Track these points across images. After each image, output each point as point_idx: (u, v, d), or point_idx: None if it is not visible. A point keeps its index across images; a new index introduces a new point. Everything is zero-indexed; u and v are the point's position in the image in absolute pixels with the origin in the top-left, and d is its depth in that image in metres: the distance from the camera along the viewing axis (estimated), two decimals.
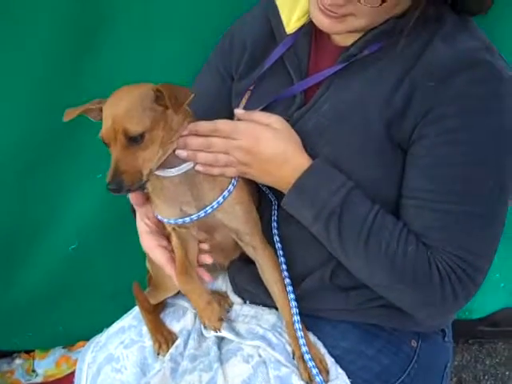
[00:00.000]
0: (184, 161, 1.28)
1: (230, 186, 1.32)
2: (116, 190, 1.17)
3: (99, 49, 1.80)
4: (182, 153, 1.26)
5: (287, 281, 1.38)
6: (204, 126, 1.29)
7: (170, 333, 1.54)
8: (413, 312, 1.32)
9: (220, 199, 1.31)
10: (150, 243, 1.43)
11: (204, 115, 1.38)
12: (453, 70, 1.19)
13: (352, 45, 1.30)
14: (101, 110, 1.24)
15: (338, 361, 1.36)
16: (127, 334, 1.55)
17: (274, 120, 1.31)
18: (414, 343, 1.43)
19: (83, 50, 1.78)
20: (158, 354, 1.49)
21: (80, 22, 1.74)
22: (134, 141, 1.18)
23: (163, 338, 1.51)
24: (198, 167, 1.28)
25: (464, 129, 1.19)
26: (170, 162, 1.27)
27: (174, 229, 1.38)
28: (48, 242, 2.07)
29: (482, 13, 1.28)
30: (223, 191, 1.31)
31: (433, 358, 1.47)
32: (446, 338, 1.52)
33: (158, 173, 1.28)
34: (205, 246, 1.40)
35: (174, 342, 1.50)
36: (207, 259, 1.39)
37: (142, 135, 1.18)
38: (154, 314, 1.58)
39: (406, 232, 1.24)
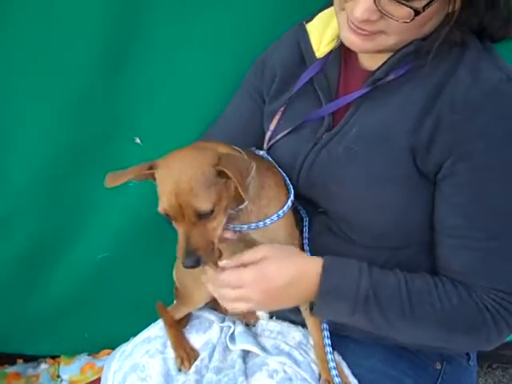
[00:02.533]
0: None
1: (280, 212, 1.32)
2: (193, 267, 1.16)
3: (132, 66, 1.82)
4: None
5: None
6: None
7: (193, 350, 1.55)
8: (474, 350, 1.39)
9: (267, 221, 1.30)
10: None
11: (237, 136, 1.45)
12: (477, 104, 1.18)
13: (378, 69, 1.31)
14: (153, 175, 1.21)
15: (360, 380, 1.37)
16: (153, 343, 1.57)
17: (264, 250, 1.30)
18: (438, 365, 1.43)
19: (117, 66, 1.82)
20: (180, 370, 1.50)
21: (114, 36, 1.78)
22: (204, 217, 1.16)
23: (186, 354, 1.52)
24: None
25: (493, 166, 1.19)
26: None
27: None
28: (77, 251, 2.10)
29: (507, 37, 1.28)
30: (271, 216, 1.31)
31: (457, 380, 1.46)
32: (471, 362, 1.52)
33: None
34: None
35: (195, 359, 1.51)
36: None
37: (211, 211, 1.16)
38: (178, 330, 1.60)
39: (442, 285, 1.25)
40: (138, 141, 1.94)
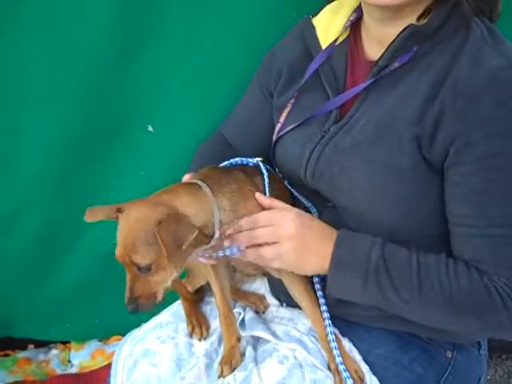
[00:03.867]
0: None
1: None
2: (134, 312, 1.23)
3: (144, 53, 1.84)
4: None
5: (320, 293, 1.40)
6: (245, 221, 1.33)
7: (205, 319, 1.58)
8: (486, 336, 1.38)
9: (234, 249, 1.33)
10: None
11: (249, 128, 1.48)
12: (477, 90, 1.17)
13: (381, 57, 1.30)
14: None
15: (371, 367, 1.37)
16: (164, 329, 1.57)
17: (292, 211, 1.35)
18: (449, 354, 1.43)
19: (128, 53, 1.83)
20: (191, 337, 1.52)
21: (125, 28, 1.79)
22: (143, 270, 1.21)
23: (197, 321, 1.55)
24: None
25: (496, 154, 1.18)
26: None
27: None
28: (90, 237, 2.12)
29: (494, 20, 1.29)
30: None
31: (467, 369, 1.46)
32: (482, 351, 1.51)
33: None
34: None
35: (207, 329, 1.54)
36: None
37: (149, 266, 1.20)
38: (193, 302, 1.62)
39: (453, 264, 1.25)
40: (150, 129, 1.95)
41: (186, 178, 1.43)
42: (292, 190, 1.50)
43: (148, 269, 1.20)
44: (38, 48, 1.80)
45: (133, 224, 1.21)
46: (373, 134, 1.29)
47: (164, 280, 1.23)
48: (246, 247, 1.32)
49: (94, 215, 1.30)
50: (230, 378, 1.39)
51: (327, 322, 1.37)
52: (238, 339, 1.46)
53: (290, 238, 1.30)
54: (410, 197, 1.27)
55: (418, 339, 1.42)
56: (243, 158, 1.47)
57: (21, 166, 1.97)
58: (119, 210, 1.26)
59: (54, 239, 2.14)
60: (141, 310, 1.23)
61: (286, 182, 1.52)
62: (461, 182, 1.22)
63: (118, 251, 1.23)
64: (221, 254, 1.34)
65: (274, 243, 1.30)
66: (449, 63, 1.23)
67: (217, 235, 1.31)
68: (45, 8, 1.75)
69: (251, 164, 1.46)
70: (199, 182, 1.33)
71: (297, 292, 1.43)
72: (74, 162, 1.97)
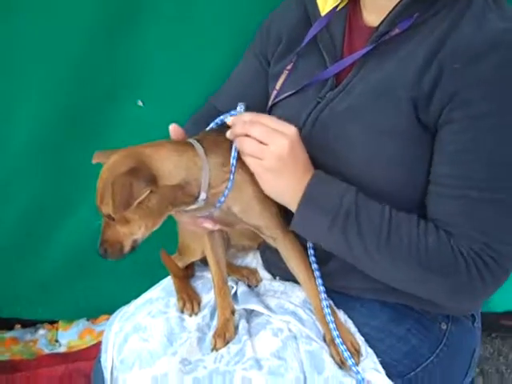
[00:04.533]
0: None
1: (231, 176, 1.30)
2: (103, 256, 1.28)
3: (134, 27, 1.81)
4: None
5: (314, 266, 1.38)
6: (249, 115, 1.30)
7: (196, 294, 1.56)
8: (444, 302, 1.32)
9: (226, 191, 1.30)
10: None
11: (242, 97, 1.39)
12: (479, 52, 1.16)
13: (381, 22, 1.29)
14: None
15: (366, 339, 1.37)
16: (155, 304, 1.55)
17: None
18: (443, 325, 1.42)
19: (118, 26, 1.80)
20: (182, 312, 1.51)
21: (116, 1, 1.76)
22: (110, 219, 1.22)
23: (188, 297, 1.53)
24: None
25: (490, 114, 1.16)
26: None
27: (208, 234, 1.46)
28: (76, 216, 2.10)
29: None
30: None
31: (462, 341, 1.46)
32: (476, 324, 1.51)
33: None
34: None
35: (199, 304, 1.53)
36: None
37: (110, 216, 1.21)
38: (183, 278, 1.61)
39: (424, 224, 1.23)
40: (140, 103, 1.92)
41: (172, 127, 1.38)
42: None
43: (112, 218, 1.21)
44: (27, 21, 1.77)
45: (105, 172, 1.22)
46: (370, 98, 1.28)
47: (130, 232, 1.24)
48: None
49: (98, 158, 1.30)
50: (223, 350, 1.37)
51: (322, 294, 1.36)
52: (233, 312, 1.44)
53: (273, 159, 1.25)
54: (405, 161, 1.26)
55: (413, 311, 1.41)
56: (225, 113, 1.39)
57: (8, 142, 1.94)
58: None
59: (41, 217, 2.11)
60: (109, 256, 1.27)
61: None
62: (449, 140, 1.20)
63: (95, 200, 1.24)
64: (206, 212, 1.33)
65: (258, 158, 1.27)
66: (450, 27, 1.21)
67: (203, 196, 1.28)
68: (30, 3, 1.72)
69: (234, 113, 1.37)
70: (192, 141, 1.31)
71: (293, 263, 1.41)
72: (63, 137, 1.94)
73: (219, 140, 1.33)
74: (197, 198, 1.27)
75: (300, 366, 1.30)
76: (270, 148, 1.24)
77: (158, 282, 1.66)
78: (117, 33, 1.81)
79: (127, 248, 1.27)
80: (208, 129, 1.40)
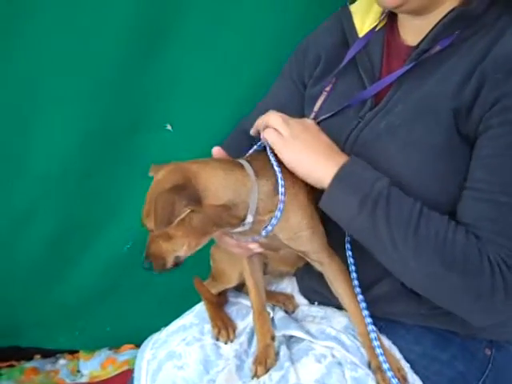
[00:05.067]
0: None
1: (280, 205, 1.28)
2: (147, 269, 1.25)
3: (163, 53, 1.82)
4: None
5: (357, 290, 1.36)
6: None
7: (231, 321, 1.54)
8: (462, 306, 1.25)
9: (273, 221, 1.28)
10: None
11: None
12: None
13: (422, 41, 1.30)
14: None
15: (411, 365, 1.33)
16: (189, 331, 1.52)
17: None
18: (488, 351, 1.40)
19: (147, 53, 1.81)
20: (218, 340, 1.48)
21: (144, 26, 1.77)
22: (158, 235, 1.22)
23: (223, 324, 1.51)
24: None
25: None
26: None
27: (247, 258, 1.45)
28: (104, 241, 2.09)
29: None
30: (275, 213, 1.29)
31: (506, 367, 1.42)
32: None
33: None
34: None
35: (234, 330, 1.51)
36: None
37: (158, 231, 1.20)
38: (217, 304, 1.59)
39: (454, 223, 1.21)
40: (169, 127, 1.92)
41: (215, 150, 1.39)
42: None
43: (159, 234, 1.21)
44: (56, 46, 1.77)
45: (152, 187, 1.22)
46: (410, 116, 1.28)
47: (173, 249, 1.23)
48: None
49: (152, 171, 1.29)
50: (265, 378, 1.34)
51: (368, 319, 1.33)
52: (273, 338, 1.41)
53: (300, 131, 1.30)
54: (444, 174, 1.25)
55: (457, 336, 1.38)
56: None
57: (36, 168, 1.93)
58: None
59: (66, 243, 2.10)
60: (154, 269, 1.25)
61: None
62: (484, 145, 1.20)
63: (142, 213, 1.23)
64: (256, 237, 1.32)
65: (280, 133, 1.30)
66: (491, 43, 1.22)
67: (249, 219, 1.26)
68: (64, 5, 1.72)
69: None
70: (243, 162, 1.29)
71: (339, 287, 1.39)
72: (90, 161, 1.94)
73: (270, 166, 1.31)
74: (243, 220, 1.26)
75: None
76: (289, 126, 1.30)
77: (183, 311, 1.64)
78: (145, 57, 1.82)
79: (169, 264, 1.24)
80: (252, 151, 1.40)
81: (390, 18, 1.44)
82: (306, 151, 1.29)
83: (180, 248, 1.22)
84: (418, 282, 1.26)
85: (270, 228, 1.28)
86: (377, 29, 1.44)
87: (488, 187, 1.19)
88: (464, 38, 1.26)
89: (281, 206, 1.27)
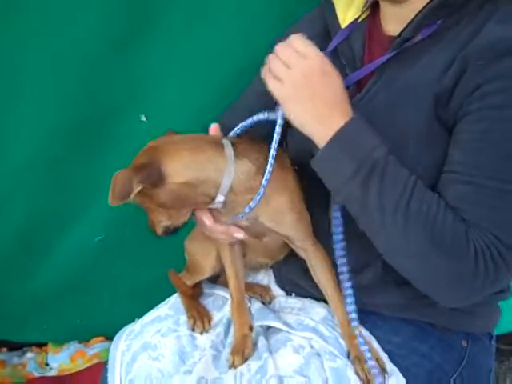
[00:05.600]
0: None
1: (264, 182, 1.27)
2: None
3: (139, 42, 1.78)
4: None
5: (347, 284, 1.35)
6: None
7: (207, 311, 1.53)
8: (439, 288, 1.24)
9: (251, 204, 1.28)
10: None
11: (256, 111, 1.36)
12: (503, 49, 1.16)
13: (404, 29, 1.29)
14: None
15: (390, 356, 1.33)
16: (164, 323, 1.51)
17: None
18: (464, 343, 1.41)
19: (123, 42, 1.77)
20: (193, 330, 1.48)
21: (121, 17, 1.73)
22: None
23: (199, 314, 1.50)
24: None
25: (506, 106, 1.16)
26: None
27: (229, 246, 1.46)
28: (74, 233, 2.04)
29: None
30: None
31: (481, 359, 1.45)
32: (492, 342, 1.50)
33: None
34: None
35: (209, 321, 1.50)
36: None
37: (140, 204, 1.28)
38: (192, 296, 1.58)
39: (445, 203, 1.20)
40: (143, 119, 1.89)
41: (212, 127, 1.39)
42: None
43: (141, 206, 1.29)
44: (30, 35, 1.72)
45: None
46: (391, 103, 1.28)
47: (158, 220, 1.31)
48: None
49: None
50: (243, 368, 1.33)
51: (352, 307, 1.33)
52: (251, 328, 1.41)
53: (290, 85, 1.22)
54: (425, 160, 1.25)
55: (434, 328, 1.39)
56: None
57: (7, 156, 1.88)
58: None
59: (36, 234, 2.04)
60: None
61: None
62: (464, 129, 1.20)
63: None
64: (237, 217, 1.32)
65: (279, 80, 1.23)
66: (474, 32, 1.21)
67: (220, 199, 1.27)
68: (36, 7, 1.69)
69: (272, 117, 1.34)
70: (225, 141, 1.29)
71: (322, 275, 1.39)
72: (63, 152, 1.89)
73: (258, 148, 1.31)
74: (213, 199, 1.27)
75: (324, 383, 1.26)
76: (290, 72, 1.21)
77: (155, 303, 1.62)
78: (121, 46, 1.77)
79: (160, 231, 1.33)
80: (241, 126, 1.37)
81: (373, 9, 1.43)
82: (305, 104, 1.22)
83: (164, 218, 1.30)
84: (401, 258, 1.24)
85: (247, 210, 1.28)
86: (359, 20, 1.43)
87: (470, 171, 1.18)
88: (446, 27, 1.26)
89: (261, 190, 1.26)
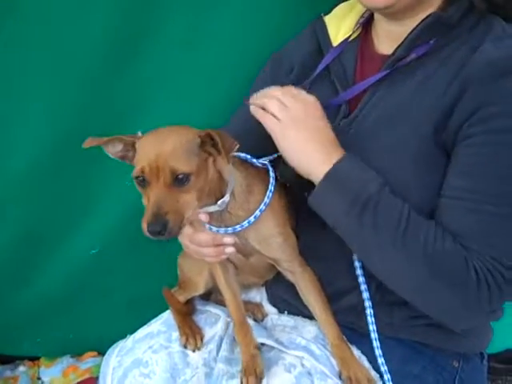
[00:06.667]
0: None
1: (262, 206, 1.31)
2: (158, 233, 1.11)
3: (138, 58, 1.78)
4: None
5: (364, 286, 1.36)
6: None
7: (199, 329, 1.53)
8: (445, 315, 1.26)
9: (251, 219, 1.30)
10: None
11: (250, 129, 1.37)
12: (503, 70, 1.17)
13: (398, 47, 1.30)
14: (132, 144, 1.22)
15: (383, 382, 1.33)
16: (156, 339, 1.51)
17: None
18: (455, 363, 1.41)
19: (123, 56, 1.77)
20: (185, 348, 1.47)
21: (122, 30, 1.73)
22: (179, 182, 1.14)
23: (191, 331, 1.50)
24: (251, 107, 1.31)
25: (508, 129, 1.16)
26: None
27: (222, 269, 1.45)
28: (69, 245, 2.02)
29: None
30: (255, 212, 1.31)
31: (473, 379, 1.44)
32: (484, 362, 1.50)
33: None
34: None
35: (202, 338, 1.50)
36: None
37: (188, 177, 1.14)
38: (184, 313, 1.58)
39: (442, 229, 1.20)
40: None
41: None
42: None
43: (186, 180, 1.14)
44: (31, 43, 1.72)
45: (169, 135, 1.17)
46: (385, 123, 1.28)
47: (191, 203, 1.16)
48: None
49: (94, 141, 1.26)
50: None
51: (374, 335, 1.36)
52: (257, 347, 1.38)
53: (289, 120, 1.25)
54: (421, 181, 1.25)
55: (427, 348, 1.39)
56: (250, 157, 1.41)
57: (1, 169, 1.87)
58: (133, 137, 1.22)
59: (30, 247, 2.02)
60: (167, 231, 1.11)
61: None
62: (465, 153, 1.20)
63: (149, 161, 1.14)
64: (230, 230, 1.31)
65: (277, 118, 1.26)
66: (471, 51, 1.22)
67: (226, 198, 1.27)
68: (43, 8, 1.68)
69: (258, 164, 1.41)
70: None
71: (310, 296, 1.40)
72: (59, 165, 1.88)
73: (247, 164, 1.36)
74: (221, 197, 1.27)
75: None
76: (288, 110, 1.25)
77: (147, 318, 1.62)
78: (119, 64, 1.77)
79: (186, 220, 1.16)
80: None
81: (364, 28, 1.45)
82: (302, 142, 1.25)
83: (194, 203, 1.17)
84: (403, 290, 1.25)
85: (238, 228, 1.30)
86: (350, 39, 1.44)
87: (472, 196, 1.18)
88: (440, 47, 1.26)
89: (257, 213, 1.29)
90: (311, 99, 1.28)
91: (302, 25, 1.62)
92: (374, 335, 1.34)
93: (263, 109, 1.29)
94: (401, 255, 1.19)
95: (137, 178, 1.16)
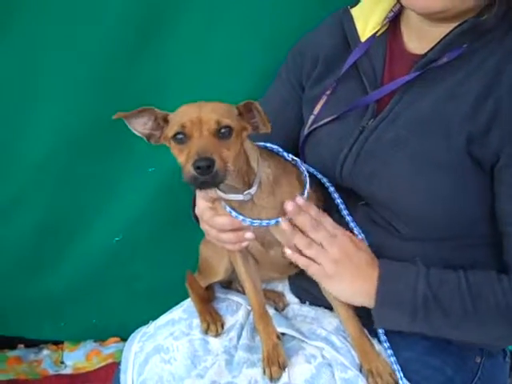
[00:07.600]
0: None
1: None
2: (206, 168, 1.10)
3: (152, 50, 1.79)
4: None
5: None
6: (315, 210, 1.32)
7: (220, 315, 1.53)
8: (497, 342, 1.36)
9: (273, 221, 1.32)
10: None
11: (274, 121, 1.36)
12: None
13: (430, 50, 1.28)
14: (163, 118, 1.23)
15: (402, 369, 1.32)
16: (177, 326, 1.51)
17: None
18: (478, 359, 1.40)
19: (137, 50, 1.79)
20: (206, 334, 1.48)
21: (138, 22, 1.74)
22: (222, 135, 1.15)
23: (212, 318, 1.50)
24: (286, 250, 1.31)
25: None
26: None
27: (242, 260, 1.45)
28: (93, 232, 2.05)
29: None
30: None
31: (494, 376, 1.44)
32: (507, 359, 1.49)
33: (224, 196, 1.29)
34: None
35: (222, 325, 1.50)
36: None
37: (230, 132, 1.16)
38: (205, 299, 1.59)
39: (507, 280, 1.23)
40: None
41: None
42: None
43: (228, 134, 1.16)
44: (46, 39, 1.75)
45: (210, 102, 1.20)
46: (419, 128, 1.27)
47: (232, 158, 1.17)
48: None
49: (125, 114, 1.26)
50: (257, 374, 1.33)
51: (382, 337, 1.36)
52: (278, 337, 1.39)
53: (330, 263, 1.29)
54: (450, 194, 1.24)
55: (448, 344, 1.38)
56: (280, 148, 1.41)
57: (25, 157, 1.90)
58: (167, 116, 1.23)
59: (54, 233, 2.06)
60: (215, 170, 1.11)
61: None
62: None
63: (191, 117, 1.15)
64: (256, 223, 1.31)
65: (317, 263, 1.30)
66: (502, 62, 1.21)
67: (253, 189, 1.28)
68: (54, 8, 1.71)
69: (288, 158, 1.40)
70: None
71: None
72: (81, 153, 1.91)
73: (275, 156, 1.37)
74: (249, 186, 1.28)
75: None
76: (327, 252, 1.28)
77: (170, 305, 1.63)
78: (136, 53, 1.79)
79: (230, 169, 1.16)
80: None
81: (393, 23, 1.42)
82: (346, 282, 1.30)
83: (233, 160, 1.18)
84: (492, 343, 1.37)
85: (273, 222, 1.31)
86: (378, 34, 1.42)
87: None
88: (472, 51, 1.25)
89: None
90: (346, 233, 1.33)
91: (317, 19, 1.60)
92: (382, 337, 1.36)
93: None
94: (478, 323, 1.24)
95: (175, 135, 1.17)
